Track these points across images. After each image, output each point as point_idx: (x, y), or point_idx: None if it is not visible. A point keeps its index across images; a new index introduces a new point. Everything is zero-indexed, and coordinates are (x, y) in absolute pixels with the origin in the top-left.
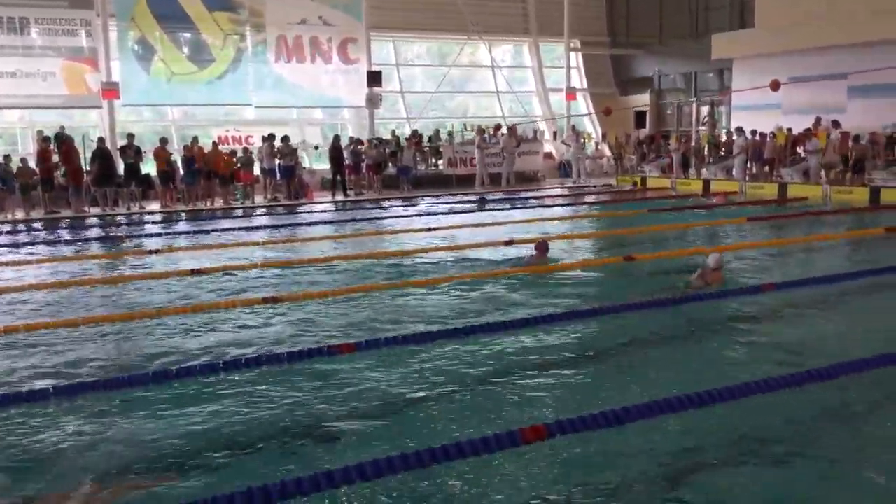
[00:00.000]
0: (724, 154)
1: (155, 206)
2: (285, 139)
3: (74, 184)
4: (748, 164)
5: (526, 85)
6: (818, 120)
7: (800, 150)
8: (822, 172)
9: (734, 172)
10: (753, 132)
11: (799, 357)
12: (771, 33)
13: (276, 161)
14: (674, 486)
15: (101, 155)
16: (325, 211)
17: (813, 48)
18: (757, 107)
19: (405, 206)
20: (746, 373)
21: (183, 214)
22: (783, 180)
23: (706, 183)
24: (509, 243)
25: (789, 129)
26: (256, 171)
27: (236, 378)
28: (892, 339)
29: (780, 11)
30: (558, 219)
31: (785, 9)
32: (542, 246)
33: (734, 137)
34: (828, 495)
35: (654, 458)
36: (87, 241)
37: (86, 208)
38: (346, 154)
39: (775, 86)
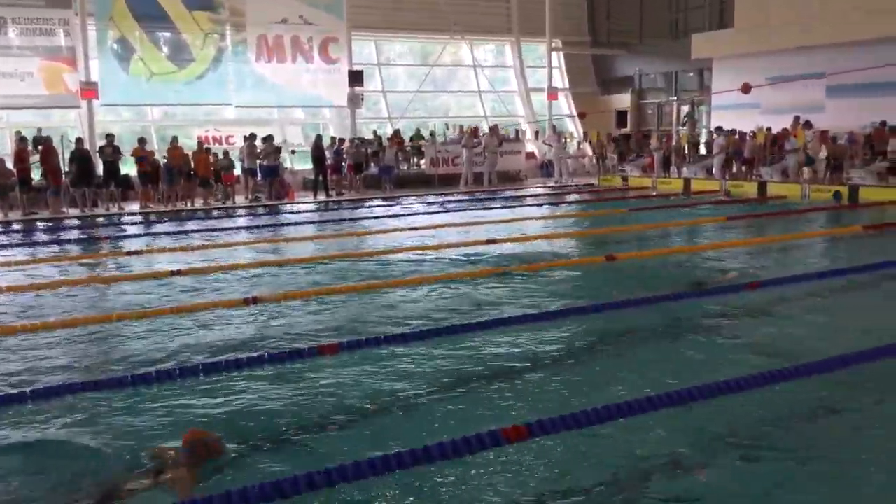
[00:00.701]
0: (705, 153)
1: (134, 207)
2: (269, 139)
3: (53, 184)
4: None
5: (508, 85)
6: (797, 119)
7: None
8: (804, 170)
9: (714, 171)
10: (733, 131)
11: (782, 355)
12: (750, 33)
13: (258, 161)
14: (655, 484)
15: (80, 155)
16: (307, 211)
17: (791, 48)
18: (736, 106)
19: (387, 205)
20: (730, 371)
21: (163, 215)
22: (763, 179)
23: (686, 182)
24: (491, 242)
25: (769, 129)
26: (237, 171)
27: (217, 380)
28: (870, 336)
29: (759, 12)
30: (540, 218)
31: (763, 9)
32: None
33: (714, 137)
34: (808, 492)
35: (637, 456)
36: (65, 242)
37: (64, 209)
38: (328, 154)
39: (746, 89)
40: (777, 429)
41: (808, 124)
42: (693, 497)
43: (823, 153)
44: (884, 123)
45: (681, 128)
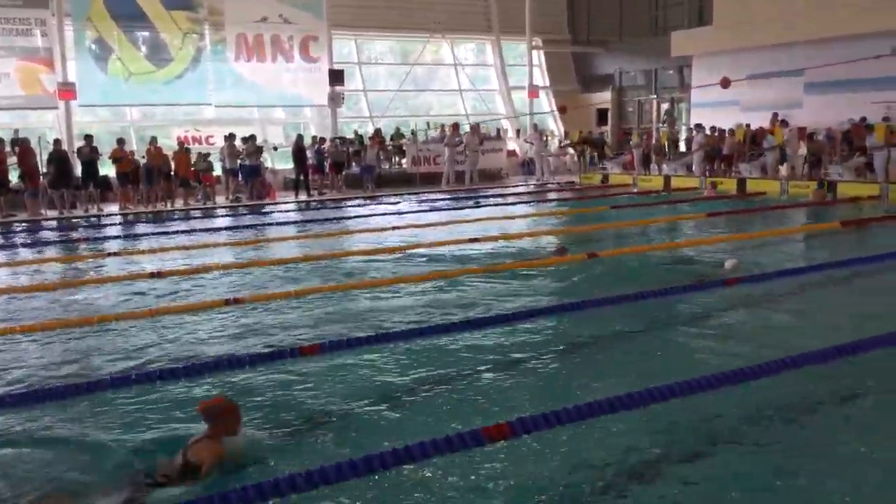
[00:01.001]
0: (684, 150)
1: (114, 208)
2: (250, 138)
3: (31, 186)
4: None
5: (489, 83)
6: (775, 116)
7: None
8: (783, 168)
9: (693, 168)
10: (713, 129)
11: (761, 349)
12: (728, 31)
13: (238, 161)
14: (637, 481)
15: (58, 157)
16: (288, 211)
17: (770, 45)
18: (716, 103)
19: (369, 204)
20: (710, 367)
21: (142, 216)
22: (742, 176)
23: (667, 179)
24: (474, 241)
25: (748, 126)
26: (217, 171)
27: (197, 382)
28: (844, 331)
29: (738, 9)
30: (522, 216)
31: (742, 6)
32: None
33: (693, 134)
34: (787, 489)
35: (618, 454)
36: (43, 244)
37: (42, 211)
38: (309, 153)
39: (725, 83)
40: (754, 425)
41: (784, 122)
42: (674, 493)
43: (802, 150)
44: (863, 119)
45: (661, 125)
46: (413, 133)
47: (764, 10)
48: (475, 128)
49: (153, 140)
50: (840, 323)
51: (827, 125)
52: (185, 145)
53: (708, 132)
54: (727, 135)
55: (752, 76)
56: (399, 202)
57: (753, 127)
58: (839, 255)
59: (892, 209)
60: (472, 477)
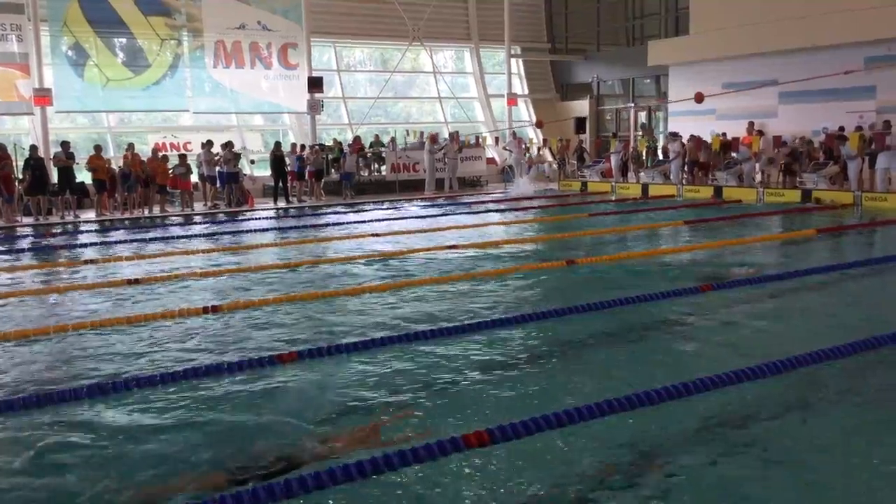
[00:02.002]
0: (662, 158)
1: (90, 214)
2: (228, 145)
3: (6, 193)
4: (684, 168)
5: (468, 90)
6: (751, 125)
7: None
8: (758, 175)
9: (671, 176)
10: (690, 137)
11: (737, 355)
12: (704, 40)
13: (217, 168)
14: (617, 486)
15: (34, 163)
16: (267, 218)
17: (745, 55)
18: (692, 112)
19: (348, 212)
20: (686, 372)
21: (119, 223)
22: (719, 184)
23: (644, 187)
24: (453, 248)
25: (724, 134)
26: (195, 178)
27: (175, 390)
28: (821, 336)
29: (713, 19)
30: (501, 223)
31: (718, 16)
32: None
33: (670, 143)
34: (764, 491)
35: (598, 460)
36: (19, 251)
37: (18, 218)
38: (288, 161)
39: (699, 98)
40: (734, 429)
41: (759, 132)
42: (654, 498)
43: (778, 158)
44: (842, 129)
45: (638, 134)
46: (392, 140)
47: (739, 21)
48: (454, 136)
49: (130, 146)
50: (821, 326)
51: (801, 133)
52: (162, 152)
53: (685, 140)
54: (703, 143)
55: (729, 85)
56: (378, 209)
57: (730, 135)
58: (815, 262)
59: (865, 217)
60: (452, 485)
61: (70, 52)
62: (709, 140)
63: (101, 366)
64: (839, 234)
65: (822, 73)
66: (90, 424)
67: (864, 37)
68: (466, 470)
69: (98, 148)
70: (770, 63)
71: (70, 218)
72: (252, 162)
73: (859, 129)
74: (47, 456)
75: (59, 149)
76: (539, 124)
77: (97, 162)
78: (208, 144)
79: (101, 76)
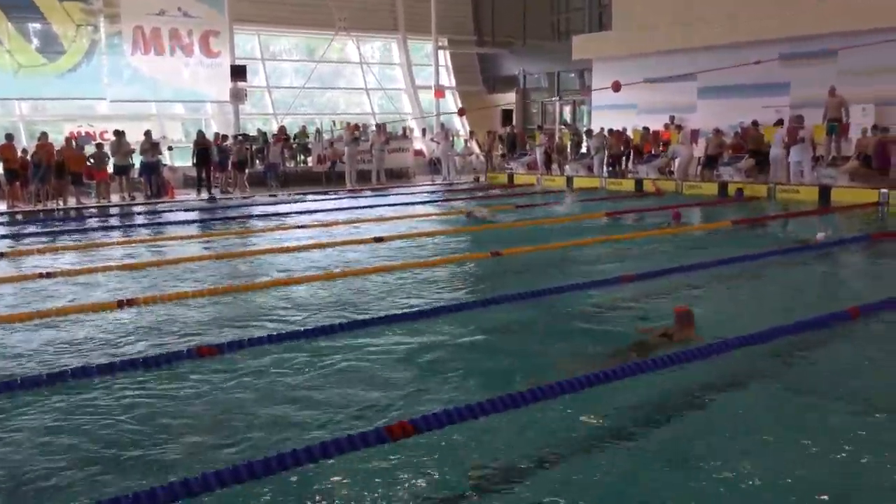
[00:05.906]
0: (585, 152)
1: (1, 206)
2: (147, 134)
3: None
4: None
5: (395, 82)
6: (672, 119)
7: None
8: (676, 168)
9: (594, 169)
10: (611, 131)
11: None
12: (626, 36)
13: (133, 158)
14: (532, 477)
15: None
16: (188, 210)
17: (665, 51)
18: (615, 106)
19: (272, 203)
20: (610, 362)
21: (32, 215)
22: (639, 176)
23: (569, 179)
24: (379, 240)
25: (645, 128)
26: (110, 168)
27: (87, 386)
28: (735, 324)
29: (635, 15)
30: (428, 215)
31: (639, 13)
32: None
33: (593, 137)
34: (680, 482)
35: (514, 451)
36: None
37: None
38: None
39: (616, 87)
40: (653, 419)
41: (678, 126)
42: (571, 488)
43: (696, 151)
44: (755, 123)
45: (562, 127)
46: (318, 132)
47: (660, 17)
48: (381, 127)
49: (43, 135)
50: (737, 313)
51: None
52: (76, 140)
53: (606, 134)
54: (625, 137)
55: (650, 80)
56: (303, 201)
57: (652, 129)
58: (730, 252)
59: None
60: (376, 476)
61: None
62: (630, 134)
63: (7, 361)
64: (751, 225)
65: (736, 65)
66: None
67: (778, 34)
68: (389, 460)
69: (9, 137)
70: (690, 59)
71: None
72: (170, 149)
73: (779, 123)
74: None
75: None
76: (461, 112)
77: (8, 153)
78: (120, 134)
79: (14, 62)
